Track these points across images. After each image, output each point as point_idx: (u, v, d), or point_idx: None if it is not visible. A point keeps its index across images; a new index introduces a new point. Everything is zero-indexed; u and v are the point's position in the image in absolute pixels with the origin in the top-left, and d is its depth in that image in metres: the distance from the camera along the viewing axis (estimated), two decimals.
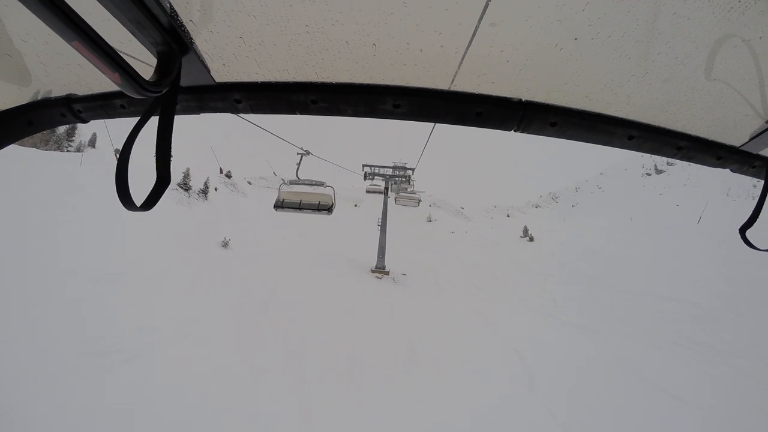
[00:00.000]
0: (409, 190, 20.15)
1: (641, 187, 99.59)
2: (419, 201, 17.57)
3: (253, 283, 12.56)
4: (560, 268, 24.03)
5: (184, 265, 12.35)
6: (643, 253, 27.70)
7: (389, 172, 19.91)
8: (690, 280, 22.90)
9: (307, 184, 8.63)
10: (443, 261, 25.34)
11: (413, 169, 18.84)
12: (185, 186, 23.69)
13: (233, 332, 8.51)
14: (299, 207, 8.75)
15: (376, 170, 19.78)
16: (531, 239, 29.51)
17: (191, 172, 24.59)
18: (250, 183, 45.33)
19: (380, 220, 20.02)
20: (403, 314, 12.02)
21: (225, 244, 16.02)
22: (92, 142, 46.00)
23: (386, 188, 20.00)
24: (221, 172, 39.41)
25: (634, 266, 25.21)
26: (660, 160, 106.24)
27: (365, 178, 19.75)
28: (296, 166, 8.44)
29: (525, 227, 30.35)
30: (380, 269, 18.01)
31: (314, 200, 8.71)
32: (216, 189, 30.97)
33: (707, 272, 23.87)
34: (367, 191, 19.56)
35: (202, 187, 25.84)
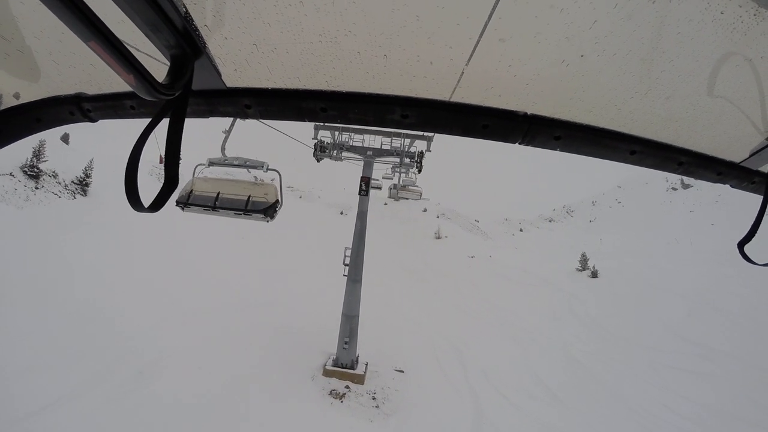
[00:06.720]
0: (410, 186, 15.73)
1: (667, 203, 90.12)
2: (421, 194, 15.36)
3: None
4: (672, 336, 14.06)
5: None
6: (756, 298, 17.47)
7: (380, 142, 10.00)
8: None
9: (236, 166, 4.62)
10: (471, 320, 15.36)
11: (427, 144, 9.44)
12: (32, 170, 13.82)
13: None
14: (214, 205, 4.34)
15: (350, 140, 9.83)
16: (594, 275, 19.62)
17: (62, 153, 14.82)
18: None
19: (348, 255, 9.92)
20: None
21: None
22: None
23: (368, 180, 9.66)
24: (161, 161, 29.72)
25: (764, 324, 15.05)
26: None
27: (317, 157, 9.72)
28: (225, 134, 4.79)
29: (584, 255, 20.46)
30: (344, 368, 8.17)
31: (242, 193, 4.37)
32: None
33: None
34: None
35: (80, 175, 16.00)
